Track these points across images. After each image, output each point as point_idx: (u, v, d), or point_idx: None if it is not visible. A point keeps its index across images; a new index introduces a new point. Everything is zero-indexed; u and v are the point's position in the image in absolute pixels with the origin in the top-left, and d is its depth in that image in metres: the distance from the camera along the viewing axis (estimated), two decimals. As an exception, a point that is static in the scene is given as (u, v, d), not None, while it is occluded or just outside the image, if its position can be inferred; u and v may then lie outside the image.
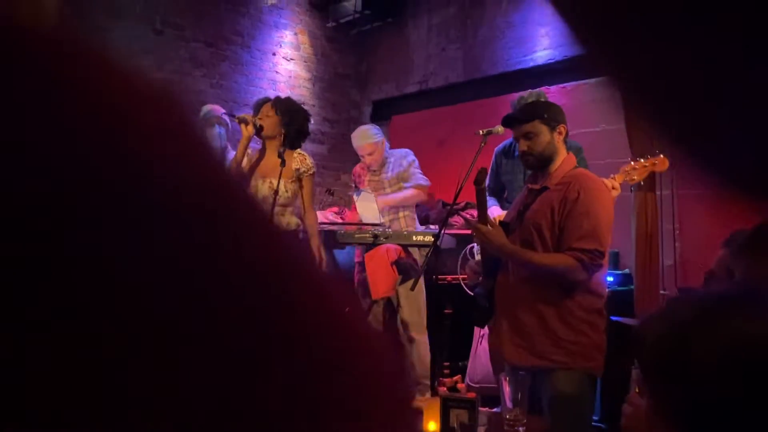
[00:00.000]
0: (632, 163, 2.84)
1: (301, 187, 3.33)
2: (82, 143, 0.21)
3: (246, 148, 3.19)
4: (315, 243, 3.32)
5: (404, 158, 3.99)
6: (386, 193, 3.96)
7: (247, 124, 3.13)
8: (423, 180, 3.97)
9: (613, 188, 2.67)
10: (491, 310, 2.28)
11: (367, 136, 3.92)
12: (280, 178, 3.11)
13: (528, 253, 2.09)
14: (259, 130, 3.17)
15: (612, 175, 2.81)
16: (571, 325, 2.04)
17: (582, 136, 3.86)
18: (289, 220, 3.30)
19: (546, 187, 2.15)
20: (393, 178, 3.97)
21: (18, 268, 0.20)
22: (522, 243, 2.14)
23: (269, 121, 3.21)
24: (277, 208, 3.24)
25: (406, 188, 3.95)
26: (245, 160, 3.23)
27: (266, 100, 3.37)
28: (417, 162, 4.02)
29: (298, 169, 3.29)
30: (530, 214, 2.14)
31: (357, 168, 4.16)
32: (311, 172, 3.35)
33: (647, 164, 2.81)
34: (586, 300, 2.07)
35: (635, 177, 2.82)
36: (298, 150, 3.37)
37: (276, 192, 3.15)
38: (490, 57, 5.18)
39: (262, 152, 3.30)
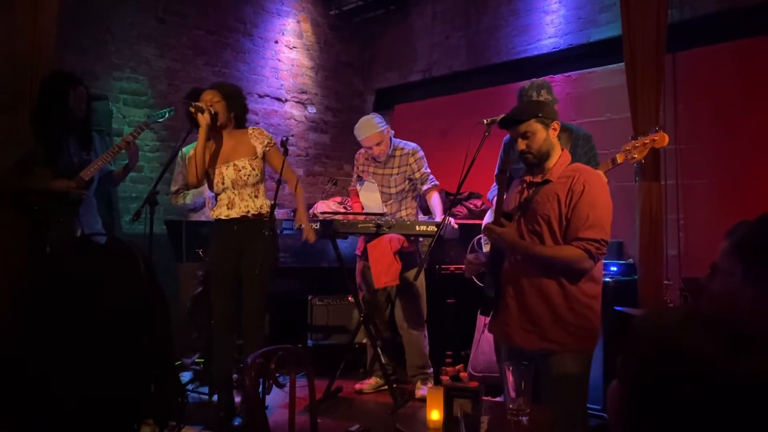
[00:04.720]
0: (632, 141, 2.81)
1: (269, 162, 3.26)
2: None
3: (206, 135, 3.14)
4: (301, 213, 3.25)
5: (412, 155, 3.77)
6: (390, 192, 3.80)
7: (203, 112, 3.10)
8: (434, 179, 3.82)
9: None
10: (498, 299, 2.33)
11: (372, 126, 3.71)
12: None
13: (537, 248, 2.19)
14: (214, 117, 3.14)
15: (616, 154, 2.79)
16: (575, 310, 2.17)
17: (587, 126, 3.82)
18: (262, 203, 3.23)
19: (548, 180, 2.24)
20: (399, 176, 3.77)
21: None
22: (530, 233, 2.23)
23: (218, 106, 3.17)
24: (248, 190, 3.20)
25: (424, 190, 3.79)
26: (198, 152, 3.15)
27: (198, 90, 3.30)
28: (425, 158, 3.84)
29: (262, 146, 3.24)
30: (536, 206, 2.22)
31: (360, 157, 3.93)
32: (273, 143, 3.28)
33: (647, 141, 2.78)
34: (588, 286, 2.20)
35: (636, 155, 2.79)
36: (252, 127, 3.34)
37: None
38: (494, 45, 5.14)
39: (211, 141, 3.24)
